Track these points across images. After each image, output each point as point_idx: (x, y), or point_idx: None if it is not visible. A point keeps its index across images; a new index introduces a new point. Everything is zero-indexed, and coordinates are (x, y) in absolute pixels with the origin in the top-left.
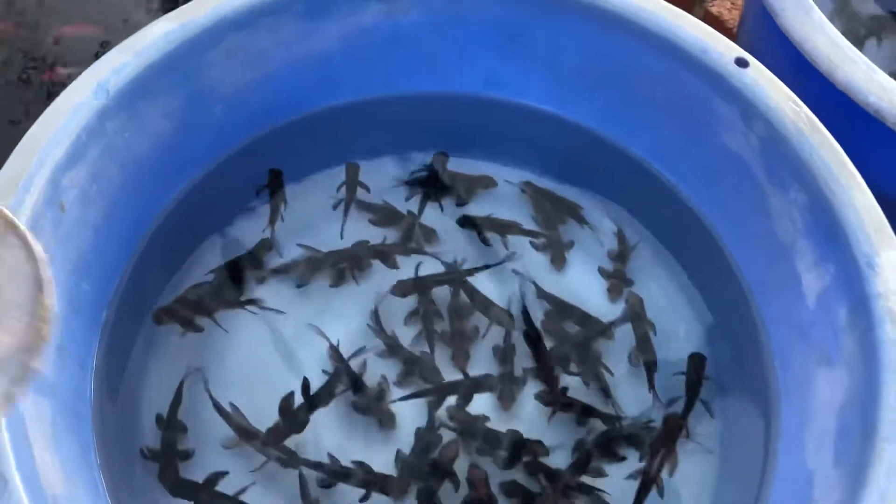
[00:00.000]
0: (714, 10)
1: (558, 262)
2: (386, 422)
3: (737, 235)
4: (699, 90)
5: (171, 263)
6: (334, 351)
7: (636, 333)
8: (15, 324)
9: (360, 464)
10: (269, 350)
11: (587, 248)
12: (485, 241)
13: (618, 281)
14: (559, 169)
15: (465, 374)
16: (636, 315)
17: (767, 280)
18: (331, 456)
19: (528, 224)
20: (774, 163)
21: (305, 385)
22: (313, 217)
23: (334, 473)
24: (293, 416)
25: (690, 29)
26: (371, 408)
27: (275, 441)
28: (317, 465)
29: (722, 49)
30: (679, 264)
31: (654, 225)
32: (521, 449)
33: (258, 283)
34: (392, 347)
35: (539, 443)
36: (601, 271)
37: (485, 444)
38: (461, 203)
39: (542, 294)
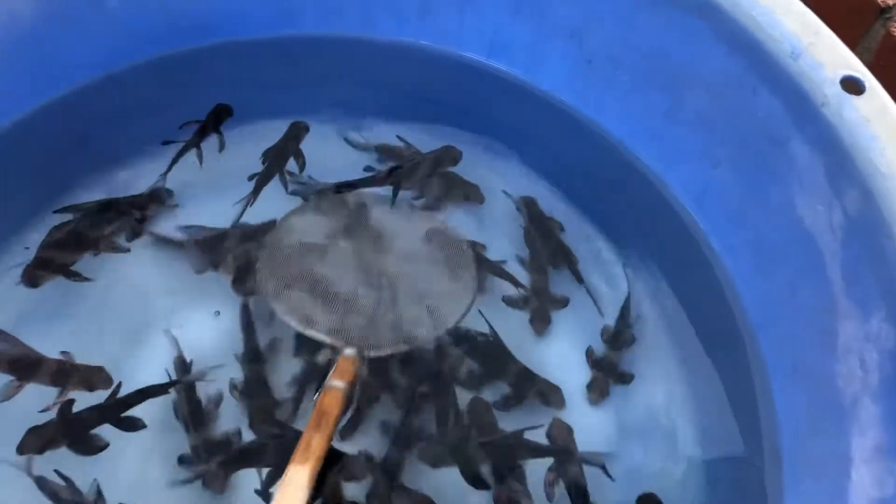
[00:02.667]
0: None
1: (540, 324)
2: (211, 482)
3: (782, 363)
4: (775, 117)
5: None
6: (180, 363)
7: (564, 479)
8: None
9: None
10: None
11: (579, 315)
12: None
13: (603, 376)
14: (572, 187)
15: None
16: (563, 452)
17: (805, 448)
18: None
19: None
20: (861, 264)
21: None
22: (233, 177)
23: None
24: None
25: (784, 18)
26: (196, 460)
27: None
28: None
29: (825, 58)
30: (702, 375)
31: (684, 304)
32: None
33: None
34: (249, 355)
35: None
36: (588, 357)
37: None
38: (429, 206)
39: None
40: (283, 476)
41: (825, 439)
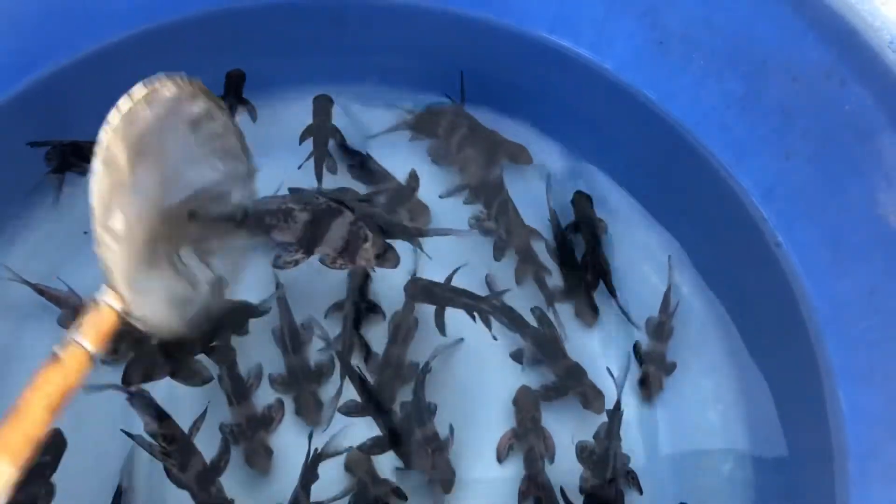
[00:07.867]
0: None
1: (587, 316)
2: (255, 459)
3: (855, 366)
4: (864, 109)
5: None
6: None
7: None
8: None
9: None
10: None
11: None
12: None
13: (655, 369)
14: (627, 173)
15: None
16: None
17: (877, 454)
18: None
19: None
20: None
21: None
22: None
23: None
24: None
25: (884, 6)
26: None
27: None
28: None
29: None
30: (754, 371)
31: (739, 298)
32: None
33: None
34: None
35: None
36: (636, 352)
37: None
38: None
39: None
40: None
41: None
